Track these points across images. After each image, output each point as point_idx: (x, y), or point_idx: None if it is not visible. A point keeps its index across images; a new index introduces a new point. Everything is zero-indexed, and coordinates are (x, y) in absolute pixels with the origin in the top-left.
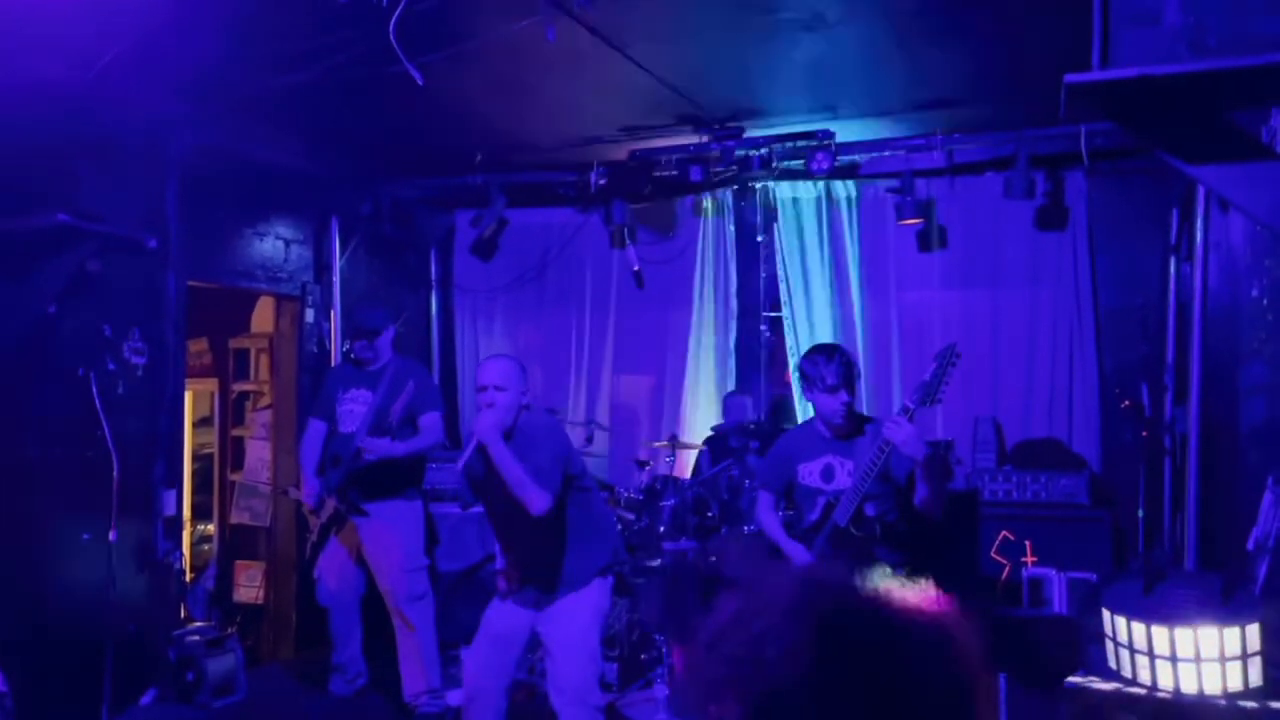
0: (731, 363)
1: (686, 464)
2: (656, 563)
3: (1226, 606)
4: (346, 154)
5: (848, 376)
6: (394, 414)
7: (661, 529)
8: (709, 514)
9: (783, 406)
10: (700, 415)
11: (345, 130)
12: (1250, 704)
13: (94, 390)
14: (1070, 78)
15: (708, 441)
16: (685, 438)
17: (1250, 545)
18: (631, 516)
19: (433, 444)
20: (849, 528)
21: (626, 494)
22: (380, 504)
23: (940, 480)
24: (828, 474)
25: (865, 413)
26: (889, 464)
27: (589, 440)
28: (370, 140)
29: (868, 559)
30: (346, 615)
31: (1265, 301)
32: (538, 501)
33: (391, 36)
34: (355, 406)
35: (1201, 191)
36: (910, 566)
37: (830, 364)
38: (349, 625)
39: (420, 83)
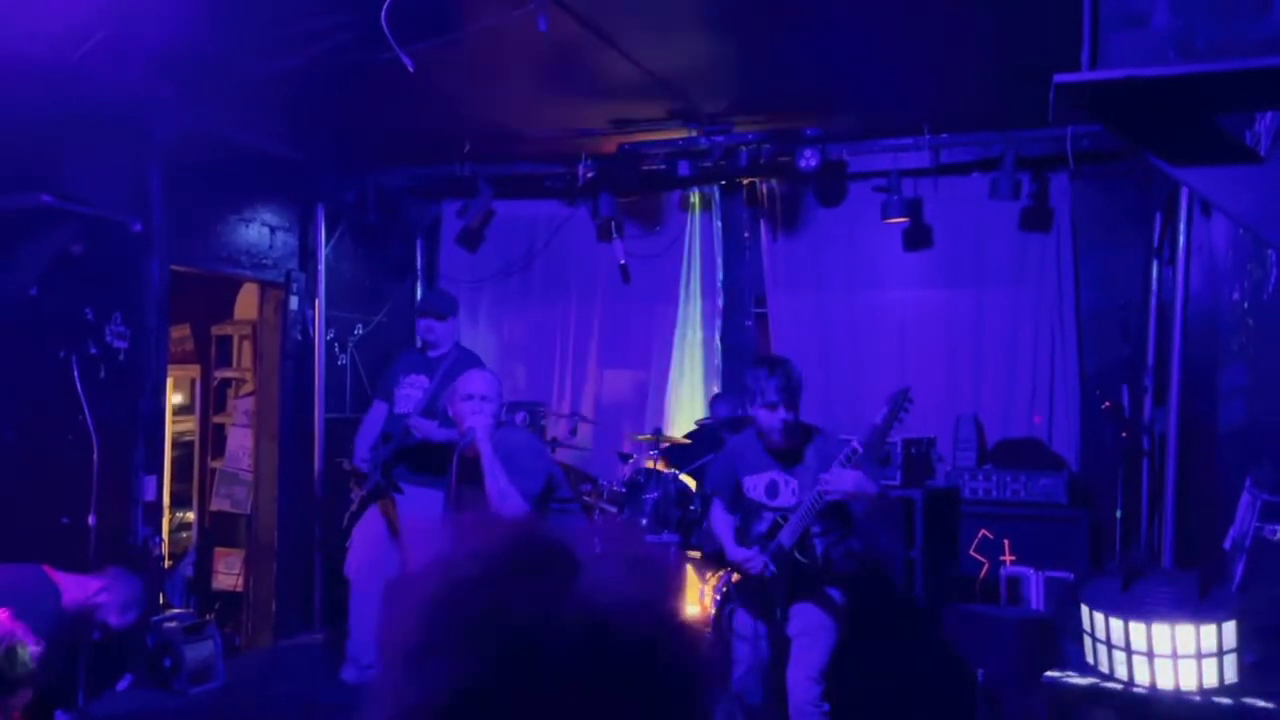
0: (717, 358)
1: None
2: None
3: (1204, 604)
4: (334, 141)
5: (789, 393)
6: (442, 408)
7: (644, 522)
8: (691, 507)
9: None
10: (685, 410)
11: (333, 117)
12: (1225, 700)
13: (75, 374)
14: (1059, 78)
15: (693, 435)
16: (670, 432)
17: (1227, 545)
18: (614, 510)
19: None
20: (793, 552)
21: (609, 487)
22: (422, 487)
23: (880, 508)
24: (772, 490)
25: (836, 414)
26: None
27: (573, 433)
28: (358, 128)
29: (811, 586)
30: (369, 592)
31: (1246, 305)
32: (516, 512)
33: (383, 22)
34: (412, 391)
35: (1185, 195)
36: (853, 601)
37: (771, 379)
38: (370, 604)
39: (411, 69)
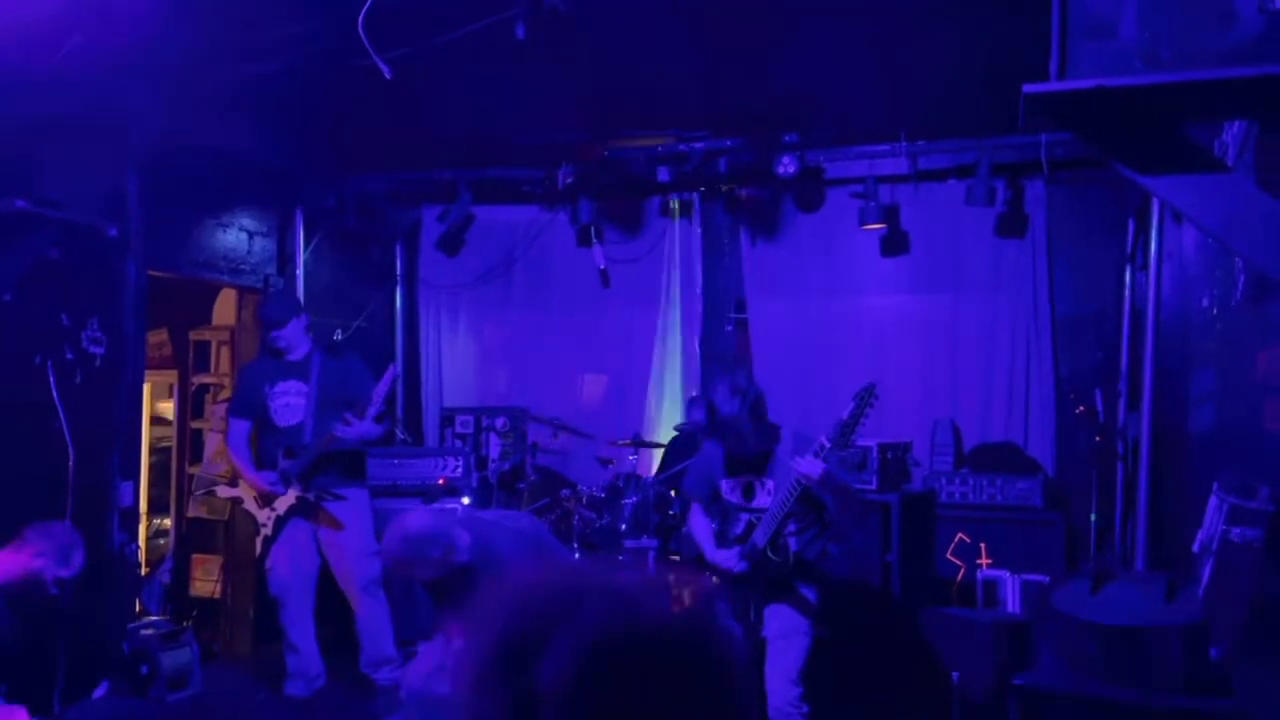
0: (696, 363)
1: (650, 463)
2: (620, 558)
3: (1170, 606)
4: (313, 146)
5: (756, 408)
6: (376, 401)
7: (623, 527)
8: (671, 512)
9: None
10: (664, 414)
11: (312, 122)
12: (1190, 700)
13: (51, 380)
14: (1028, 88)
15: (673, 440)
16: (649, 437)
17: (1195, 547)
18: (593, 515)
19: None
20: (766, 550)
21: (589, 492)
22: (361, 489)
23: (852, 506)
24: (749, 492)
25: (814, 418)
26: (806, 490)
27: (554, 438)
28: (337, 132)
29: (784, 586)
30: (299, 606)
31: (1215, 311)
32: None
33: (360, 29)
34: (292, 399)
35: (1157, 202)
36: (825, 596)
37: (733, 399)
38: (302, 619)
39: (388, 76)
